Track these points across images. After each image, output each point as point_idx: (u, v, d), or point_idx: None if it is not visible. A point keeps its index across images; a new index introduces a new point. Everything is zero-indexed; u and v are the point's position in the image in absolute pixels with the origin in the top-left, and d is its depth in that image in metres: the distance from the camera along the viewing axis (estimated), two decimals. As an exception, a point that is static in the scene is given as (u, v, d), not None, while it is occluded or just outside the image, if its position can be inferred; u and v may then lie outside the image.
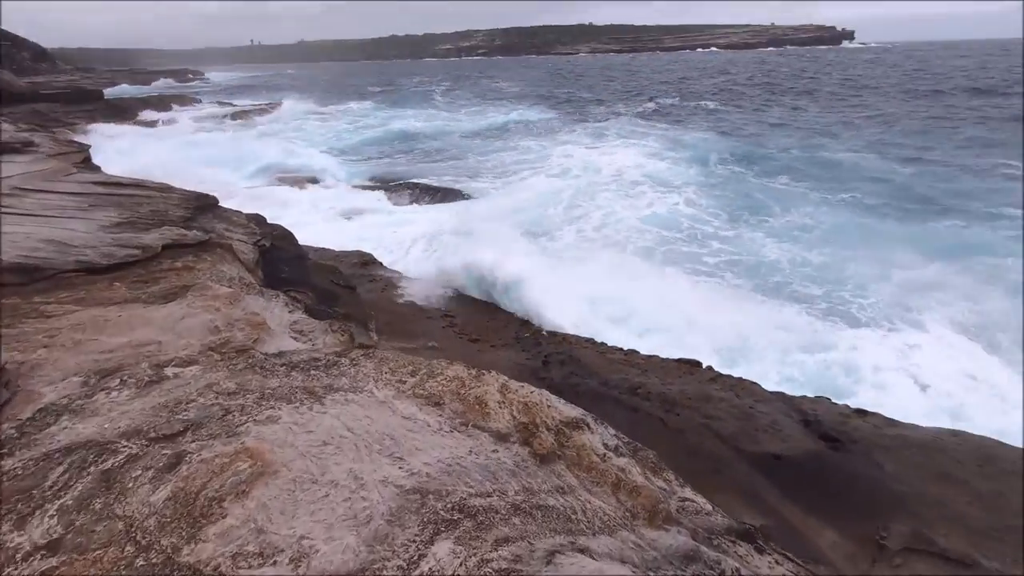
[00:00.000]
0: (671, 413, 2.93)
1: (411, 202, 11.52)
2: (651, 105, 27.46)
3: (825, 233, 9.38)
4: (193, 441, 1.19)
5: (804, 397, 3.43)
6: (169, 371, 1.50)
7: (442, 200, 11.42)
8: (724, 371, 3.68)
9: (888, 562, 1.98)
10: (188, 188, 3.84)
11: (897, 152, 15.68)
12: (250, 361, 1.49)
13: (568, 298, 4.90)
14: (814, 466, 2.49)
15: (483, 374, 1.58)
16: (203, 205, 3.50)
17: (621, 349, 3.90)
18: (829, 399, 3.32)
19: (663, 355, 3.81)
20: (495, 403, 1.44)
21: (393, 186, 12.59)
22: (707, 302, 6.14)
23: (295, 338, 2.04)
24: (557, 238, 9.12)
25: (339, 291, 3.33)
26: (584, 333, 4.44)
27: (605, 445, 1.38)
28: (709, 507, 1.36)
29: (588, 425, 1.43)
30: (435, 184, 12.99)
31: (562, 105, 30.51)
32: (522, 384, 1.57)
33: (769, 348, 5.28)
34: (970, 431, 3.05)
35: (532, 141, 19.59)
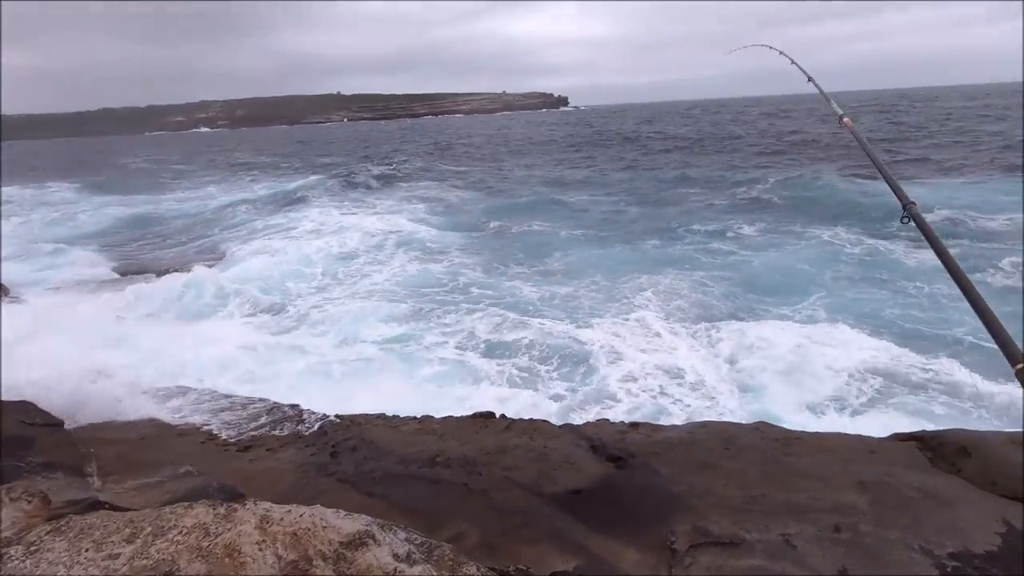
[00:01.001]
0: (473, 474, 2.86)
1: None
2: (407, 167, 28.92)
3: (569, 266, 11.13)
4: None
5: (588, 423, 3.69)
6: None
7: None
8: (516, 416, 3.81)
9: (681, 564, 2.15)
10: None
11: (611, 191, 19.45)
12: None
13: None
14: (606, 491, 2.64)
15: (235, 509, 1.28)
16: None
17: (415, 418, 3.74)
18: (608, 419, 3.63)
19: (456, 414, 3.76)
20: (253, 547, 1.16)
21: (122, 278, 10.84)
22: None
23: (-58, 528, 1.42)
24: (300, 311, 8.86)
25: (35, 432, 2.53)
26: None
27: (396, 556, 1.20)
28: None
29: (374, 537, 1.24)
30: (174, 267, 11.82)
31: (317, 171, 30.21)
32: (288, 508, 1.31)
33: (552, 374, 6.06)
34: (714, 419, 3.62)
35: (281, 213, 18.84)
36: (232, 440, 3.37)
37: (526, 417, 3.72)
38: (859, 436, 3.21)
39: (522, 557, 2.24)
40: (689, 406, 5.68)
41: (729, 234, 13.06)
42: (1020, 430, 3.19)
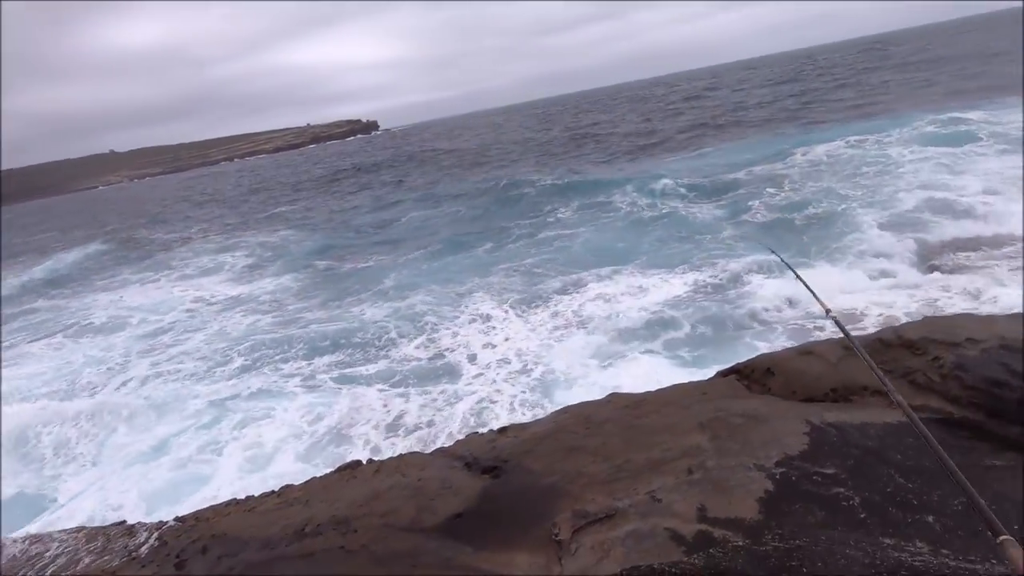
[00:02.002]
0: (348, 533, 2.65)
1: None
2: (205, 225, 26.94)
3: (414, 282, 11.67)
4: None
5: (457, 441, 3.66)
6: None
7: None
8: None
9: (568, 552, 2.21)
10: None
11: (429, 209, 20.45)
12: None
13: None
14: (487, 504, 2.63)
15: None
16: None
17: (273, 492, 3.37)
18: (477, 432, 3.63)
19: (321, 473, 3.48)
20: None
21: None
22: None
23: None
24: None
25: None
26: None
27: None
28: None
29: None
30: None
31: (109, 243, 26.83)
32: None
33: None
34: (570, 401, 3.81)
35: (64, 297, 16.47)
36: (40, 591, 2.73)
37: (395, 453, 3.58)
38: (693, 382, 3.61)
39: (415, 603, 2.13)
40: (540, 379, 6.11)
41: (550, 219, 14.91)
42: (805, 343, 3.84)
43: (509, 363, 6.91)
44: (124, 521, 3.42)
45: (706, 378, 3.79)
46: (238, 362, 8.57)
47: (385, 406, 6.35)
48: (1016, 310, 4.59)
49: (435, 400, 6.38)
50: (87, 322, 13.00)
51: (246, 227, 24.94)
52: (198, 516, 3.25)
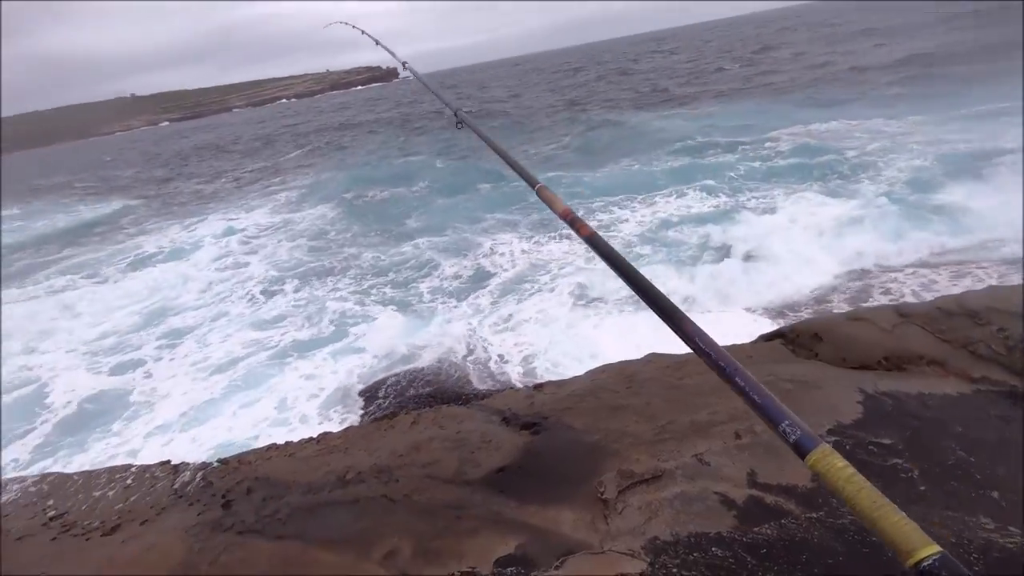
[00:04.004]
0: (391, 483, 2.68)
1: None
2: (257, 165, 27.42)
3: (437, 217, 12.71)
4: None
5: (494, 396, 3.66)
6: None
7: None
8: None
9: (615, 511, 2.20)
10: None
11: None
12: None
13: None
14: (530, 460, 2.62)
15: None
16: None
17: (312, 439, 3.43)
18: (513, 388, 3.63)
19: (357, 422, 3.52)
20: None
21: None
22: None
23: None
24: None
25: None
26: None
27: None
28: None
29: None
30: None
31: (131, 190, 27.29)
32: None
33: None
34: (608, 360, 3.76)
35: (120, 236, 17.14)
36: (93, 525, 2.83)
37: (427, 408, 3.59)
38: (735, 345, 3.53)
39: (464, 552, 2.15)
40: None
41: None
42: (856, 308, 3.70)
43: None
44: (169, 461, 3.52)
45: (748, 342, 3.70)
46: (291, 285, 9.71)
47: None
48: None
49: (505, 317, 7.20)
50: (139, 256, 13.60)
51: (284, 170, 25.14)
52: (240, 459, 3.32)
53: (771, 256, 7.81)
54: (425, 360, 6.29)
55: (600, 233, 1.37)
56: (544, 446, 2.72)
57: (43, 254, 16.36)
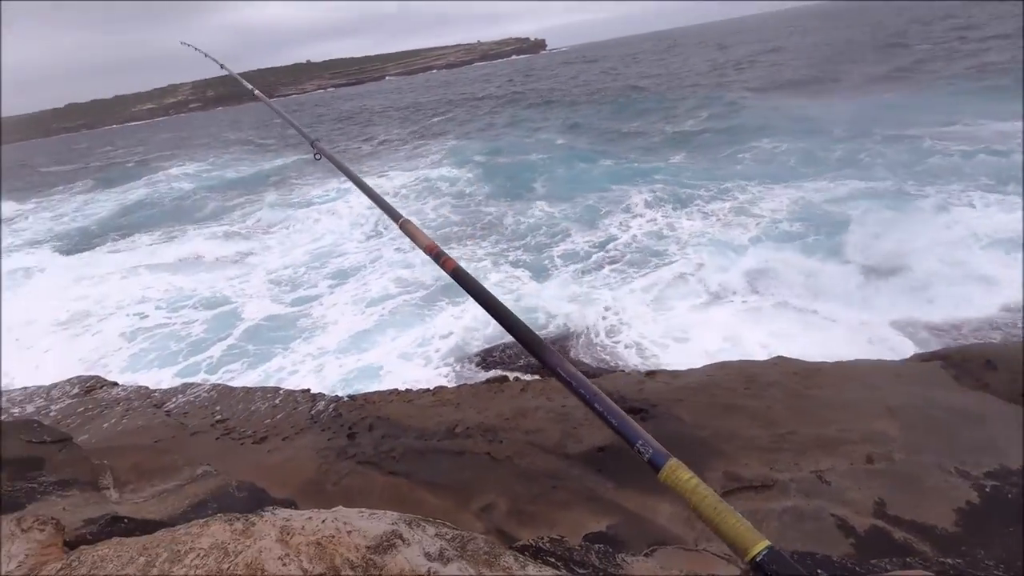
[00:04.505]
0: (495, 442, 2.81)
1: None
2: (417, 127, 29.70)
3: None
4: None
5: (603, 375, 3.64)
6: None
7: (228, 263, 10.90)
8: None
9: (716, 512, 2.11)
10: None
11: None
12: None
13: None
14: (632, 445, 2.59)
15: (253, 523, 1.21)
16: None
17: (428, 390, 3.69)
18: (623, 370, 3.58)
19: (469, 381, 3.72)
20: (276, 563, 1.09)
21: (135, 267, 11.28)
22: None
23: (-46, 573, 1.36)
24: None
25: (44, 451, 2.47)
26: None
27: (428, 555, 1.14)
28: (558, 581, 1.21)
29: (402, 537, 1.17)
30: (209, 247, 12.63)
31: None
32: (308, 515, 1.24)
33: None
34: (729, 359, 3.56)
35: (307, 182, 19.31)
36: (248, 433, 3.33)
37: (537, 378, 3.68)
38: (881, 361, 3.16)
39: (556, 521, 2.21)
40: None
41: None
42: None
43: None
44: (309, 389, 4.00)
45: (898, 359, 3.29)
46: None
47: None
48: None
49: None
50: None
51: (428, 135, 26.70)
52: (366, 398, 3.68)
53: (937, 265, 6.72)
54: (542, 331, 6.41)
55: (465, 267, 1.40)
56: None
57: (228, 198, 18.97)
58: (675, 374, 3.30)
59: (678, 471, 0.82)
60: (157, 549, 1.16)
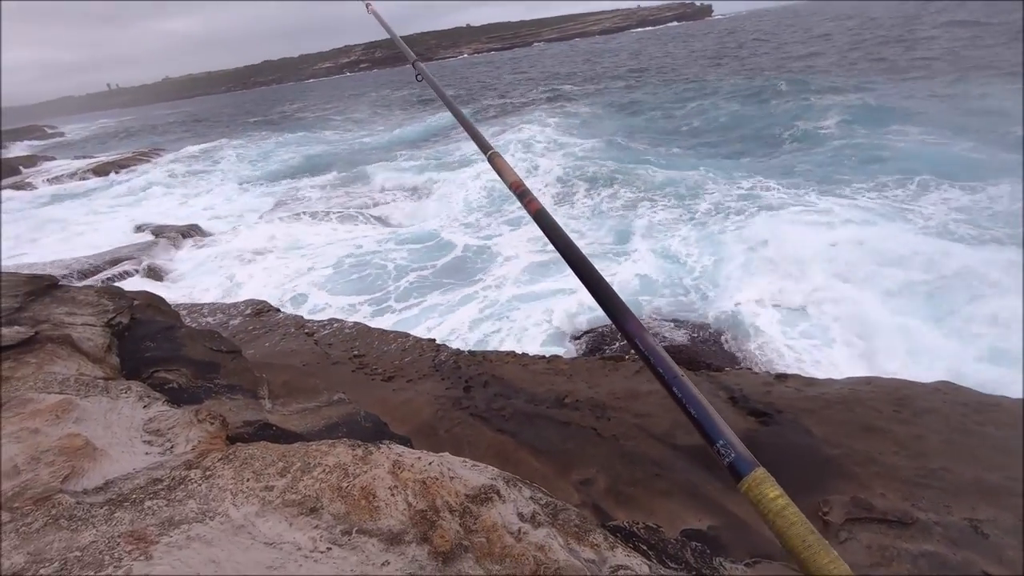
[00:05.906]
0: (602, 419, 2.81)
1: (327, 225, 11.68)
2: (566, 88, 29.79)
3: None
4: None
5: (727, 371, 3.44)
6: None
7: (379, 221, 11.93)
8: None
9: (834, 538, 1.93)
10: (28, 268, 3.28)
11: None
12: (52, 512, 1.15)
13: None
14: (750, 447, 2.43)
15: (371, 452, 1.34)
16: (36, 289, 2.96)
17: (544, 358, 3.76)
18: (750, 369, 3.34)
19: (585, 352, 3.72)
20: (386, 491, 1.20)
21: (315, 213, 12.72)
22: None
23: (149, 442, 1.69)
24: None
25: (220, 358, 2.93)
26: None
27: (520, 515, 1.18)
28: (646, 569, 1.19)
29: (499, 493, 1.22)
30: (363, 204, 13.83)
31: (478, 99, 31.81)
32: (418, 455, 1.34)
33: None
34: (880, 375, 3.16)
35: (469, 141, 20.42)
36: (378, 371, 3.66)
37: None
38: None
39: (654, 509, 2.17)
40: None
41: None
42: None
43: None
44: (434, 339, 4.27)
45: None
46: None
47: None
48: None
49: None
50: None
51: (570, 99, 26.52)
52: (485, 355, 3.85)
53: None
54: (665, 310, 6.16)
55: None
56: (769, 440, 2.49)
57: (407, 150, 20.48)
58: (810, 381, 3.01)
59: (764, 485, 0.70)
60: (292, 458, 1.33)
